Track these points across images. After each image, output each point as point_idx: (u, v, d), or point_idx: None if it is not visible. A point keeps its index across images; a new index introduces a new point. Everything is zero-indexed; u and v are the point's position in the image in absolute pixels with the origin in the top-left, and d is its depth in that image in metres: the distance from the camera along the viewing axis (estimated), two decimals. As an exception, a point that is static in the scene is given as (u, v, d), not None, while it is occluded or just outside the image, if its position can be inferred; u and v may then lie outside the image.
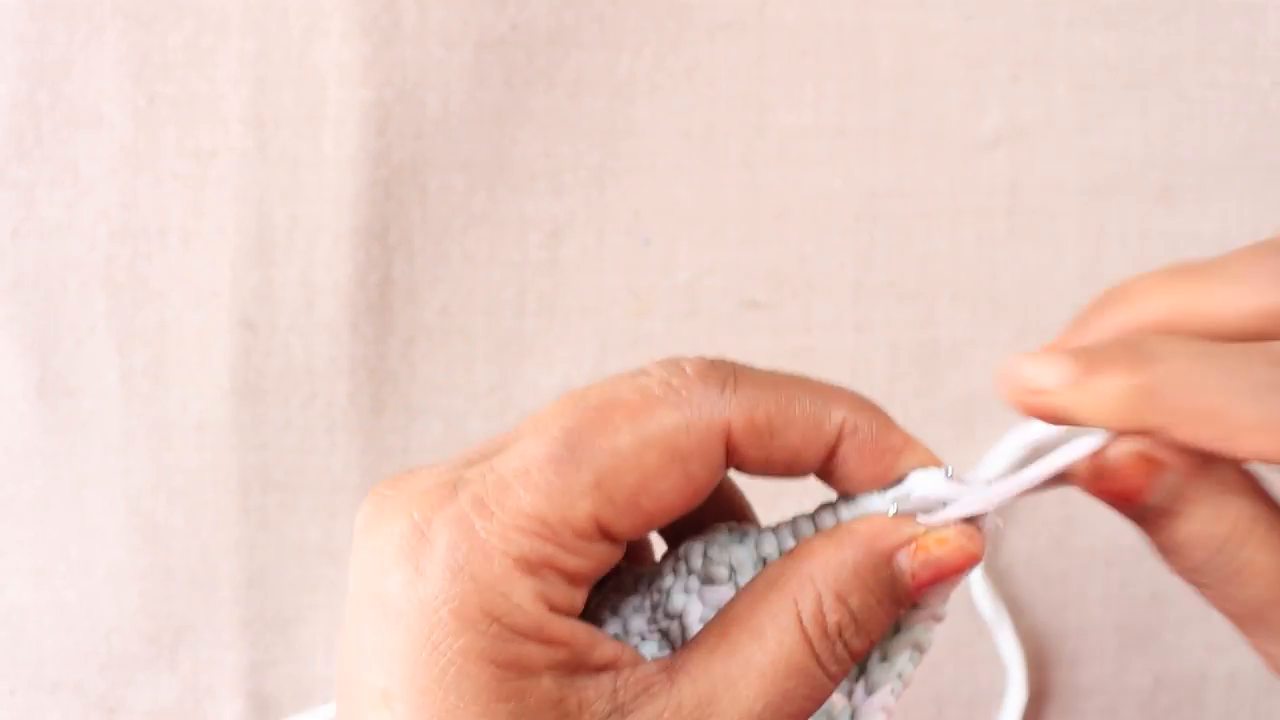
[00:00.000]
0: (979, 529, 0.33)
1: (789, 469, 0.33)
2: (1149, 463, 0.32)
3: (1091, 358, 0.31)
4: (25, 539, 0.61)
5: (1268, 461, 0.31)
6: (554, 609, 0.31)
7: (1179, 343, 0.31)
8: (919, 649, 0.35)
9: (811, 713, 0.32)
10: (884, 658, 0.35)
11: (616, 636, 0.34)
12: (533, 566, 0.31)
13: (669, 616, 0.33)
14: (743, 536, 0.34)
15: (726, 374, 0.32)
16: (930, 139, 0.65)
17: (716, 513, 0.37)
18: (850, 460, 0.33)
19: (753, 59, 0.64)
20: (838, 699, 0.35)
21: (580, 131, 0.63)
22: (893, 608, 0.33)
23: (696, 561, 0.34)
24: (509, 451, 0.32)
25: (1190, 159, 0.66)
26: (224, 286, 0.61)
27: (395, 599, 0.31)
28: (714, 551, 0.34)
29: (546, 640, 0.31)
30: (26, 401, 0.61)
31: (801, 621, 0.32)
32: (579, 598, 0.32)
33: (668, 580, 0.34)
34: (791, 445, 0.33)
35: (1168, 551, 0.34)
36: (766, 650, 0.31)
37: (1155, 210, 0.63)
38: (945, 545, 0.32)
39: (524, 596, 0.31)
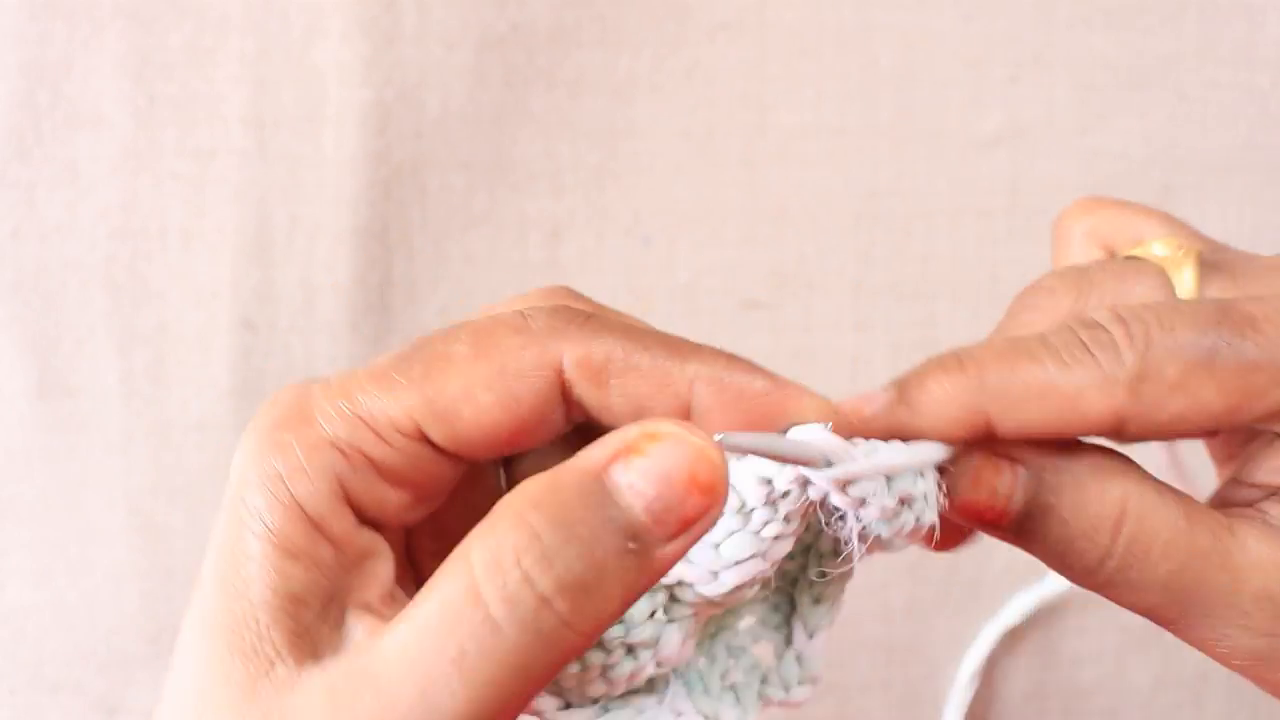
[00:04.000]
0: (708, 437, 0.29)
1: (636, 416, 0.32)
2: (995, 465, 0.34)
3: (910, 376, 0.33)
4: (25, 539, 0.61)
5: (1096, 430, 0.33)
6: (348, 501, 0.32)
7: (982, 344, 0.34)
8: (841, 579, 0.36)
9: (500, 669, 0.28)
10: (817, 600, 0.36)
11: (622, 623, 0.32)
12: (337, 447, 0.32)
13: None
14: None
15: (579, 315, 0.33)
16: (930, 139, 0.65)
17: None
18: (715, 414, 0.32)
19: (753, 59, 0.64)
20: (769, 647, 0.36)
21: (580, 131, 0.63)
22: (612, 533, 0.28)
23: None
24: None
25: (1190, 159, 0.66)
26: (224, 286, 0.61)
27: (234, 472, 0.33)
28: None
29: (327, 534, 0.32)
30: (26, 401, 0.61)
31: (470, 559, 0.28)
32: (393, 498, 0.33)
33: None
34: (635, 391, 0.32)
35: (1061, 555, 0.34)
36: (431, 597, 0.29)
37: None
38: (658, 441, 0.28)
39: (318, 475, 0.32)
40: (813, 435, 0.31)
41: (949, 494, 0.33)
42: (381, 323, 0.62)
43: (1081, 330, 0.33)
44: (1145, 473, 0.34)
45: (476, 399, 0.32)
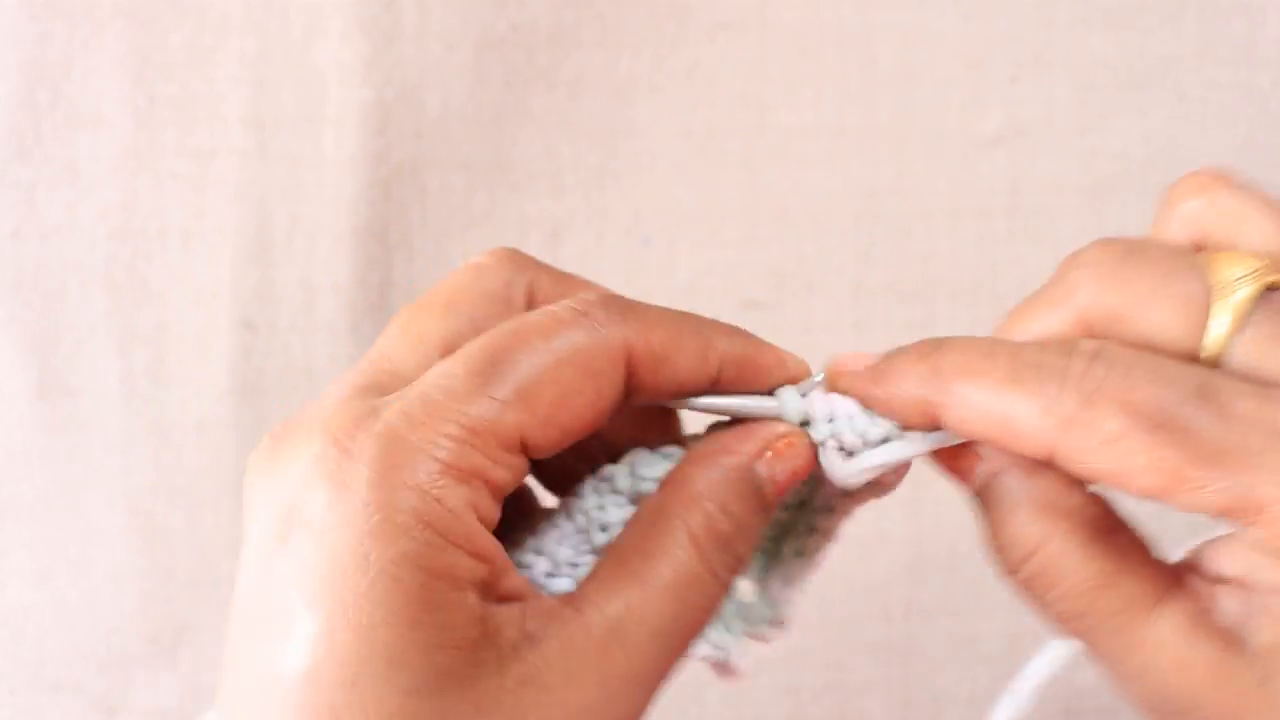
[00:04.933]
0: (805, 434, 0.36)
1: (677, 394, 0.35)
2: (971, 451, 0.35)
3: (891, 353, 0.35)
4: (25, 539, 0.61)
5: (1031, 455, 0.32)
6: (480, 518, 0.32)
7: (968, 338, 0.34)
8: (825, 536, 0.39)
9: (709, 618, 0.34)
10: (798, 553, 0.39)
11: (549, 574, 0.35)
12: (465, 474, 0.31)
13: (603, 530, 0.35)
14: (665, 455, 0.36)
15: (624, 305, 0.34)
16: (930, 139, 0.65)
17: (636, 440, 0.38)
18: (733, 384, 0.36)
19: (753, 59, 0.64)
20: (745, 587, 0.39)
21: (580, 131, 0.63)
22: (763, 510, 0.35)
23: (624, 481, 0.35)
24: (426, 374, 0.32)
25: (1190, 159, 0.66)
26: (224, 286, 0.61)
27: (317, 518, 0.30)
28: (642, 469, 0.35)
29: (476, 552, 0.31)
30: (26, 401, 0.61)
31: (695, 537, 0.33)
32: (498, 514, 0.33)
33: (592, 501, 0.35)
34: (681, 371, 0.34)
35: (988, 543, 0.35)
36: (666, 569, 0.33)
37: (1155, 210, 0.63)
38: (791, 446, 0.35)
39: (458, 503, 0.31)
40: (789, 398, 0.36)
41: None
42: (381, 323, 0.62)
43: (1048, 352, 0.32)
44: (1094, 514, 0.33)
45: (572, 405, 0.33)
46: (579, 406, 0.33)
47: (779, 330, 0.64)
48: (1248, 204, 0.35)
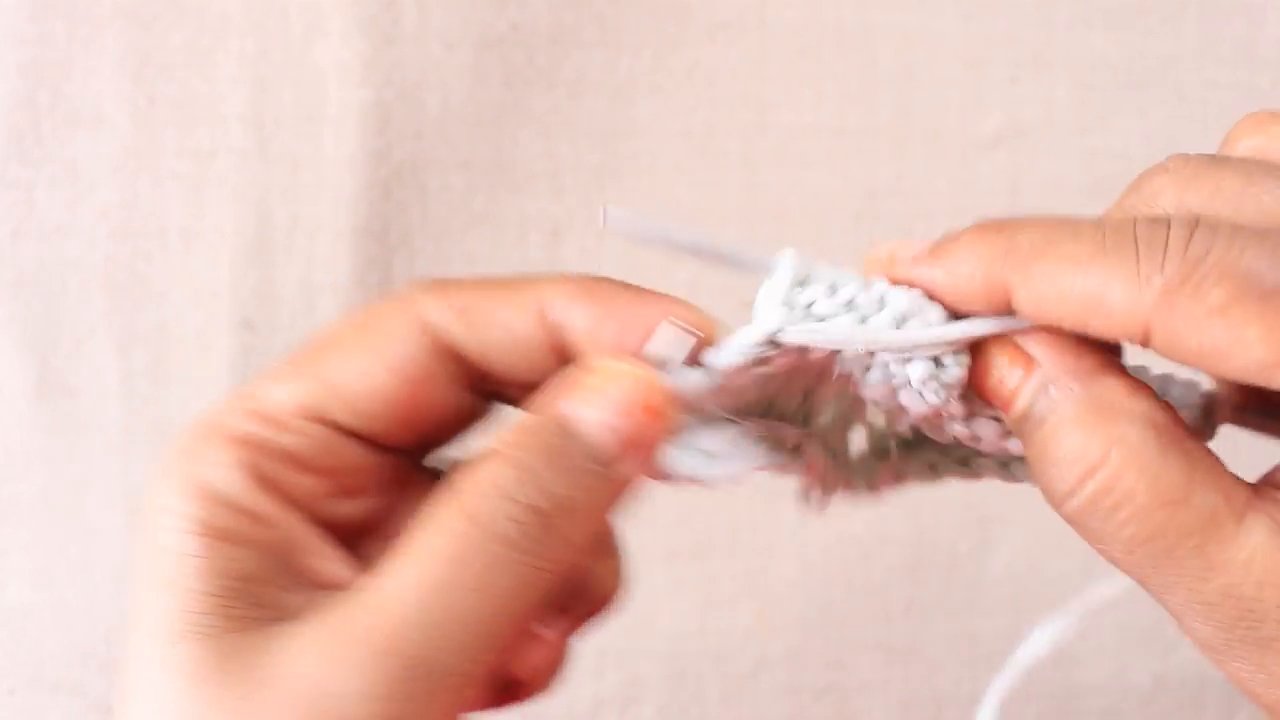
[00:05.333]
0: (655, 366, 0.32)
1: (508, 343, 0.33)
2: (1012, 358, 0.31)
3: (952, 233, 0.32)
4: (25, 539, 0.61)
5: (1121, 334, 0.29)
6: (270, 487, 0.32)
7: (1041, 216, 0.31)
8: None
9: (511, 581, 0.30)
10: (880, 454, 0.35)
11: None
12: (241, 441, 0.33)
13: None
14: None
15: (438, 281, 0.34)
16: (930, 139, 0.65)
17: None
18: (581, 328, 0.34)
19: (753, 59, 0.64)
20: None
21: (580, 131, 0.63)
22: (582, 458, 0.31)
23: None
24: None
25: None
26: (224, 286, 0.61)
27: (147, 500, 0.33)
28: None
29: (253, 515, 0.32)
30: (26, 401, 0.61)
31: (460, 497, 0.30)
32: (306, 483, 0.33)
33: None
34: (501, 320, 0.33)
35: (1037, 471, 0.31)
36: (429, 529, 0.30)
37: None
38: (605, 377, 0.32)
39: (229, 465, 0.32)
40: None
41: (970, 370, 0.32)
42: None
43: (1141, 223, 0.29)
44: (1164, 419, 0.30)
45: (358, 367, 0.33)
46: (376, 371, 0.33)
47: (779, 330, 0.65)
48: None
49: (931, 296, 0.32)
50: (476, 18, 0.62)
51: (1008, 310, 0.31)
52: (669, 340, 0.33)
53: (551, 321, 0.34)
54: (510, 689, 0.35)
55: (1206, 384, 0.34)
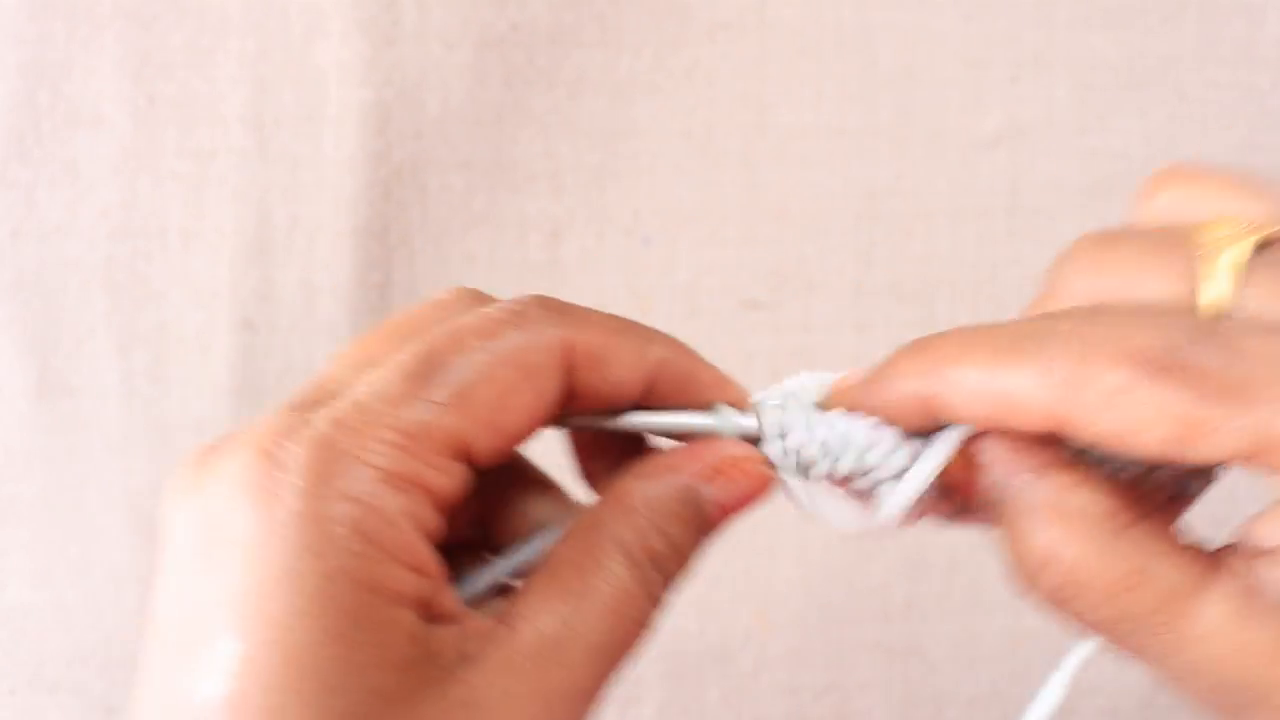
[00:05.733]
0: (765, 459, 0.35)
1: (613, 400, 0.34)
2: (968, 465, 0.32)
3: (889, 355, 0.34)
4: (25, 539, 0.61)
5: (1041, 430, 0.30)
6: (422, 533, 0.30)
7: (960, 327, 0.32)
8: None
9: (642, 635, 0.33)
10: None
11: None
12: (403, 482, 0.29)
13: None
14: None
15: (560, 304, 0.33)
16: (930, 139, 0.65)
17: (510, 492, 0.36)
18: (667, 397, 0.34)
19: (753, 59, 0.64)
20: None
21: (580, 131, 0.63)
22: (701, 533, 0.34)
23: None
24: (357, 380, 0.31)
25: (1190, 159, 0.66)
26: (224, 286, 0.61)
27: (243, 533, 0.28)
28: None
29: (416, 566, 0.29)
30: (26, 401, 0.61)
31: (630, 553, 0.32)
32: (442, 526, 0.31)
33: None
34: (617, 374, 0.33)
35: (1007, 562, 0.32)
36: (603, 584, 0.31)
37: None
38: (740, 468, 0.34)
39: (396, 513, 0.29)
40: (738, 416, 0.35)
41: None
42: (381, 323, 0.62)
43: (1040, 319, 0.31)
44: (1111, 508, 0.30)
45: (511, 405, 0.31)
46: (519, 407, 0.31)
47: (779, 330, 0.65)
48: (1224, 185, 0.33)
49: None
50: (476, 18, 0.62)
51: (938, 423, 0.33)
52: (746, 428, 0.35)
53: (649, 383, 0.34)
54: None
55: None
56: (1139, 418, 0.28)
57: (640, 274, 0.64)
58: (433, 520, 0.30)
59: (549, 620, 0.31)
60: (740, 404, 0.35)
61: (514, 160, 0.63)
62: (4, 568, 0.61)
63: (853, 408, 0.34)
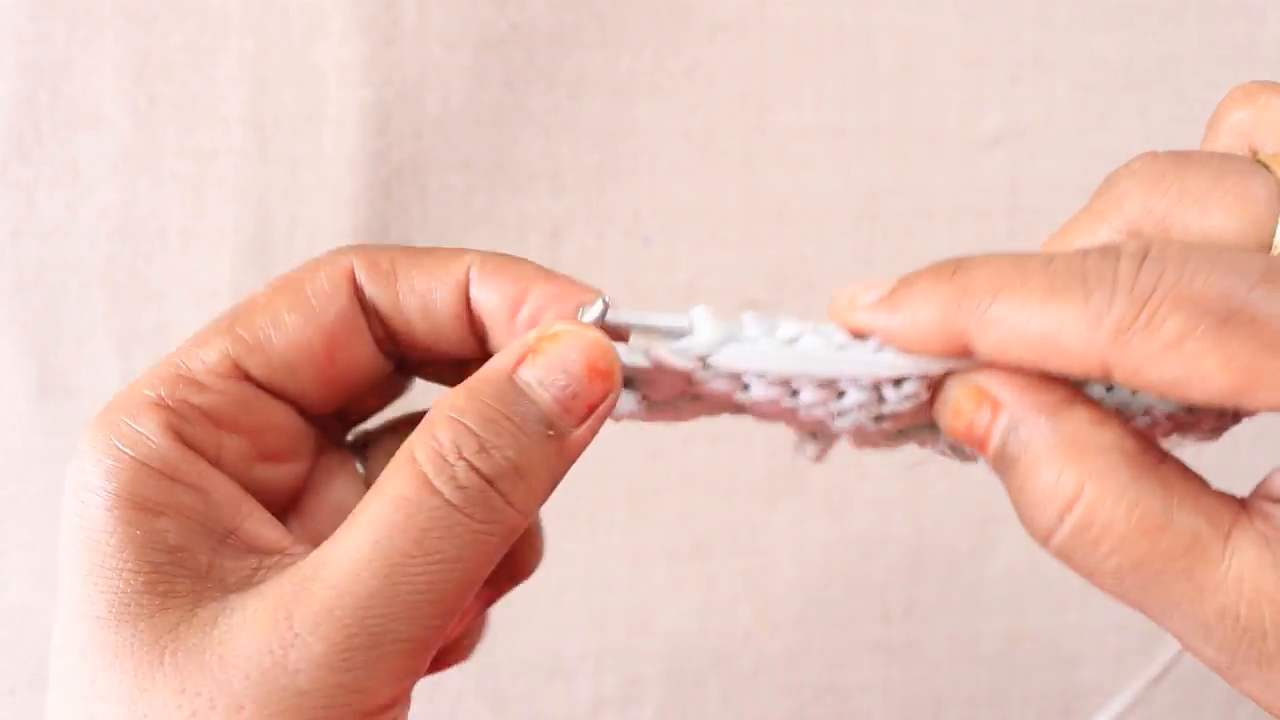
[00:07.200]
0: (601, 327, 0.32)
1: (428, 310, 0.34)
2: (977, 399, 0.31)
3: (908, 275, 0.31)
4: (25, 539, 0.61)
5: (1081, 374, 0.29)
6: (194, 449, 0.32)
7: (993, 254, 0.30)
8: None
9: (455, 544, 0.30)
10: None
11: None
12: (159, 405, 0.32)
13: None
14: None
15: (361, 244, 0.35)
16: (930, 139, 0.65)
17: None
18: (497, 306, 0.34)
19: (753, 59, 0.64)
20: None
21: (580, 131, 0.63)
22: (533, 423, 0.31)
23: None
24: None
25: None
26: (224, 286, 0.61)
27: (75, 481, 0.32)
28: None
29: (178, 479, 0.32)
30: (26, 401, 0.61)
31: (415, 458, 0.30)
32: (230, 445, 0.33)
33: None
34: (420, 287, 0.34)
35: (1018, 510, 0.30)
36: (378, 498, 0.30)
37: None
38: (556, 340, 0.32)
39: (150, 426, 0.32)
40: (701, 319, 0.32)
41: (937, 416, 0.32)
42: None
43: (1091, 256, 0.29)
44: (1134, 447, 0.29)
45: (282, 321, 0.33)
46: (295, 324, 0.33)
47: (779, 330, 0.65)
48: None
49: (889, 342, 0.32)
50: (476, 18, 0.62)
51: (966, 355, 0.31)
52: (598, 316, 0.33)
53: (472, 296, 0.34)
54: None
55: None
56: (1199, 368, 0.27)
57: (640, 274, 0.64)
58: (211, 438, 0.32)
59: (328, 545, 0.30)
60: (586, 298, 0.33)
61: (514, 160, 0.63)
62: (4, 568, 0.61)
63: (857, 327, 0.32)
